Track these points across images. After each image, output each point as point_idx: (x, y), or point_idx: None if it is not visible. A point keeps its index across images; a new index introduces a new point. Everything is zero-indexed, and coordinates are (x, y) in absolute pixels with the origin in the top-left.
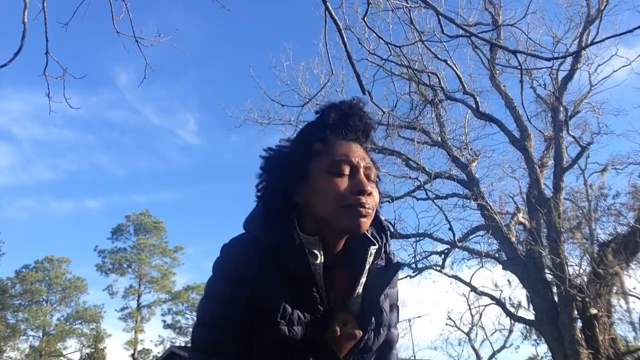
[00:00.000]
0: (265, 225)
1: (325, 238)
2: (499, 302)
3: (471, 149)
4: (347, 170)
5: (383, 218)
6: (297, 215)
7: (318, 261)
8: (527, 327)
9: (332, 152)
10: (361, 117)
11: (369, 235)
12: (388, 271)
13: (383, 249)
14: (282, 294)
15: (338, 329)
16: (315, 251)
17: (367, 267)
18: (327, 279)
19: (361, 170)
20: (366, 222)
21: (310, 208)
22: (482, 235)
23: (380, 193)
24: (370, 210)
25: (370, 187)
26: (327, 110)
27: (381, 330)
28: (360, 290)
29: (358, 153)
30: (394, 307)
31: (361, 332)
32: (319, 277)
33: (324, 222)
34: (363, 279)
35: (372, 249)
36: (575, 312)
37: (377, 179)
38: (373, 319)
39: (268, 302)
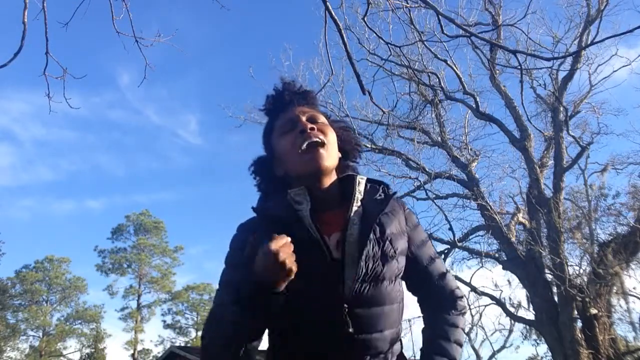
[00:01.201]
0: (262, 200)
1: (309, 188)
2: (499, 302)
3: (471, 149)
4: (290, 125)
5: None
6: (288, 186)
7: (304, 206)
8: (527, 327)
9: (278, 123)
10: (291, 88)
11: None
12: (384, 201)
13: (381, 189)
14: None
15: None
16: (300, 198)
17: (357, 195)
18: (321, 219)
19: (303, 118)
20: (323, 153)
21: (288, 173)
22: (482, 235)
23: (345, 131)
24: (317, 139)
25: (314, 125)
26: (265, 101)
27: (388, 258)
28: (357, 221)
29: (297, 110)
30: (421, 243)
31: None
32: (307, 219)
33: (298, 174)
34: (355, 208)
35: (360, 178)
36: (575, 312)
37: (337, 122)
38: (370, 244)
39: None
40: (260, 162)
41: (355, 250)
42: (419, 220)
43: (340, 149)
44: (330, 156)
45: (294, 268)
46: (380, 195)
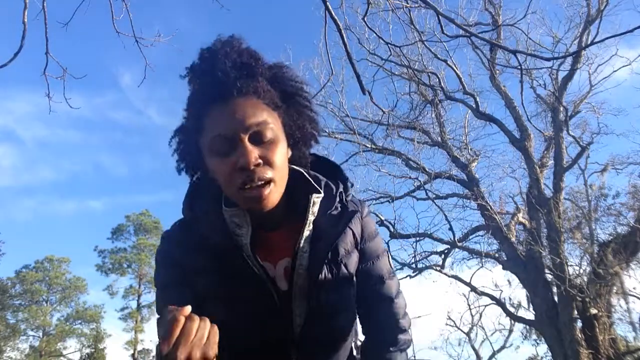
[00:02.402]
0: (189, 204)
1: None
2: (499, 302)
3: (471, 149)
4: (227, 147)
5: (343, 171)
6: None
7: (244, 230)
8: (527, 327)
9: (209, 127)
10: (230, 61)
11: (315, 184)
12: (340, 219)
13: (337, 198)
14: (212, 272)
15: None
16: (237, 220)
17: (310, 217)
18: (266, 243)
19: (244, 139)
20: (267, 196)
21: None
22: (482, 235)
23: (297, 108)
24: (262, 181)
25: (258, 154)
26: (191, 73)
27: (344, 285)
28: (307, 248)
29: (237, 117)
30: (374, 258)
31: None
32: (246, 248)
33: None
34: (306, 232)
35: (315, 198)
36: (575, 312)
37: (292, 124)
38: (324, 271)
39: (199, 282)
40: (186, 146)
41: (305, 281)
42: (378, 230)
43: (288, 138)
44: (278, 190)
45: (212, 354)
46: (336, 208)
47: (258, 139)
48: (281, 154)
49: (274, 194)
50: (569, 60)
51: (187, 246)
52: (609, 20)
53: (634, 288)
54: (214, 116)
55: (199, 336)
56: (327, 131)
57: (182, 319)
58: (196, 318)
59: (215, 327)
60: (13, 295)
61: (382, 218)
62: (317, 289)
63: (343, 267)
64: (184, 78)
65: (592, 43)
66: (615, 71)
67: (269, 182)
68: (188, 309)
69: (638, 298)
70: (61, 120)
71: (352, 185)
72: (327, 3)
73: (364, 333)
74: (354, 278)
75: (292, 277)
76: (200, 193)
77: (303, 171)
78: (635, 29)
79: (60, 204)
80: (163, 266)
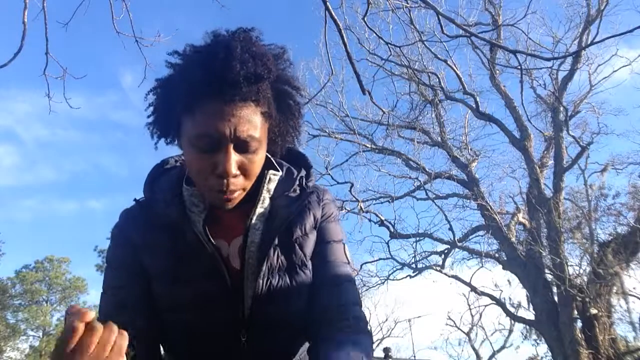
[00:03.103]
0: (150, 184)
1: None
2: (499, 302)
3: (471, 149)
4: (210, 145)
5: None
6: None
7: (200, 208)
8: (527, 327)
9: (198, 119)
10: (243, 66)
11: (276, 165)
12: (297, 200)
13: (297, 182)
14: (162, 249)
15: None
16: (195, 200)
17: (265, 194)
18: (221, 221)
19: (229, 146)
20: (233, 200)
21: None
22: (482, 235)
23: (285, 115)
24: (235, 193)
25: (238, 164)
26: (191, 57)
27: (296, 267)
28: (259, 225)
29: (231, 123)
30: (329, 242)
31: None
32: (198, 225)
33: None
34: (259, 210)
35: (272, 174)
36: (575, 312)
37: (280, 133)
38: (275, 251)
39: (149, 261)
40: (164, 115)
41: (256, 261)
42: (339, 218)
43: (270, 142)
44: (245, 192)
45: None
46: (294, 190)
47: (243, 148)
48: (260, 162)
49: (240, 197)
50: (569, 60)
51: (141, 223)
52: (609, 20)
53: (634, 288)
54: (207, 111)
55: (99, 349)
56: (327, 131)
57: (81, 328)
58: (98, 327)
59: (124, 336)
60: (13, 295)
61: (382, 218)
62: (267, 270)
63: (297, 248)
64: (180, 55)
65: (592, 43)
66: (615, 71)
67: (240, 188)
68: (91, 314)
69: (638, 298)
70: (62, 121)
71: (315, 176)
72: (327, 3)
73: (307, 318)
74: (309, 261)
75: (243, 255)
76: (164, 172)
77: (268, 156)
78: (635, 29)
79: (60, 204)
80: (114, 243)
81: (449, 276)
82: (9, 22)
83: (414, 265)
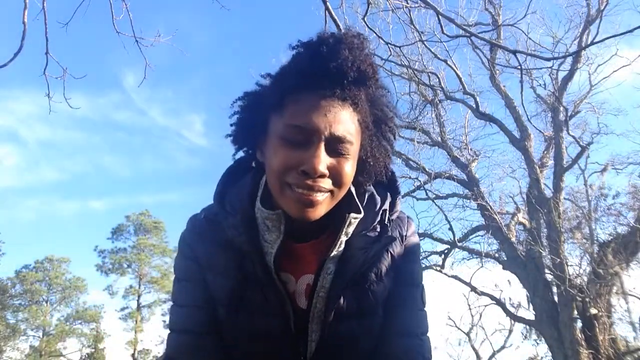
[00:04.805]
0: (220, 195)
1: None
2: (499, 302)
3: (471, 149)
4: (303, 138)
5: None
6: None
7: (273, 237)
8: (527, 327)
9: (292, 112)
10: (350, 62)
11: (358, 201)
12: (375, 243)
13: (378, 217)
14: (227, 275)
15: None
16: (269, 224)
17: (343, 238)
18: (293, 254)
19: (320, 143)
20: (314, 211)
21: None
22: (482, 235)
23: (381, 141)
24: (318, 196)
25: (328, 165)
26: (302, 48)
27: (366, 314)
28: (332, 268)
29: (327, 117)
30: (408, 286)
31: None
32: (270, 255)
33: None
34: (335, 252)
35: (352, 218)
36: (575, 312)
37: (373, 140)
38: (345, 297)
39: (212, 282)
40: (252, 115)
41: (324, 306)
42: (420, 252)
43: (360, 161)
44: (331, 204)
45: None
46: (374, 228)
47: (335, 148)
48: (350, 172)
49: (325, 206)
50: (569, 60)
51: (208, 241)
52: (609, 20)
53: (634, 288)
54: (303, 104)
55: None
56: None
57: None
58: None
59: None
60: (13, 295)
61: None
62: (335, 315)
63: (370, 295)
64: (293, 49)
65: (592, 43)
66: (615, 71)
67: (326, 192)
68: None
69: (638, 298)
70: (64, 121)
71: (401, 194)
72: (327, 3)
73: None
74: (380, 307)
75: (312, 296)
76: (236, 181)
77: (351, 190)
78: (635, 29)
79: (61, 204)
80: (181, 255)
81: (449, 276)
82: (9, 22)
83: None
